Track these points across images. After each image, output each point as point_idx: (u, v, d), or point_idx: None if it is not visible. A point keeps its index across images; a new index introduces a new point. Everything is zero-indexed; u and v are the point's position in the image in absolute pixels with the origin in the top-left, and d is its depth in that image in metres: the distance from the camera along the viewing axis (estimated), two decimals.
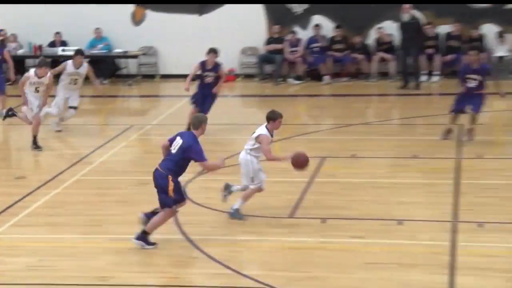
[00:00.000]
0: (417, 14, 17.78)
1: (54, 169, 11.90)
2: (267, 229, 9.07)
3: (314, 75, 19.12)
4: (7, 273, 7.96)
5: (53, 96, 13.97)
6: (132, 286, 7.66)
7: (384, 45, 18.51)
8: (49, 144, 13.33)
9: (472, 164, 11.29)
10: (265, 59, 19.31)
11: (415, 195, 10.13)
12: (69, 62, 13.78)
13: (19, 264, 8.19)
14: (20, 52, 19.84)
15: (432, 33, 18.27)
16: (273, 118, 9.25)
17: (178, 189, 8.54)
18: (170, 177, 8.40)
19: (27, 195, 10.50)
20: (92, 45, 19.58)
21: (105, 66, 19.39)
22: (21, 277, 7.86)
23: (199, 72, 13.72)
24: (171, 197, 8.45)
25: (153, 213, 8.71)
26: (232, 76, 19.39)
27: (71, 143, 13.87)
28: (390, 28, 18.46)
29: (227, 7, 19.49)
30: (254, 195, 9.46)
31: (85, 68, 13.89)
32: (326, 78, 18.86)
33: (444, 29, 18.40)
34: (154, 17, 19.87)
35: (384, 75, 18.67)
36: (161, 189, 8.46)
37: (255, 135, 9.30)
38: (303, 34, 19.23)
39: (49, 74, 13.07)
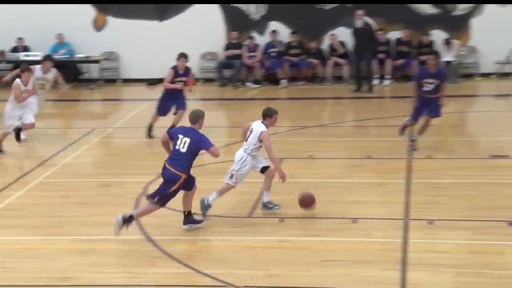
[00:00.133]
0: (369, 20, 18.22)
1: (17, 171, 11.97)
2: (227, 229, 9.25)
3: (271, 79, 19.44)
4: None
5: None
6: (95, 286, 7.75)
7: (336, 52, 18.92)
8: (11, 147, 13.33)
9: (423, 164, 11.58)
10: (224, 64, 19.58)
11: (369, 194, 10.39)
12: (38, 67, 13.78)
13: None
14: None
15: (384, 38, 18.75)
16: (269, 114, 9.52)
17: (182, 187, 8.90)
18: (182, 177, 8.80)
19: None
20: (55, 50, 19.60)
21: (67, 71, 19.37)
22: None
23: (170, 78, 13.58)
24: (167, 193, 8.79)
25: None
26: (193, 80, 19.61)
27: (34, 146, 13.86)
28: (343, 34, 18.88)
29: (187, 13, 19.73)
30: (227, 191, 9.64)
31: (53, 73, 13.88)
32: (283, 82, 19.19)
33: (394, 35, 18.88)
34: (115, 23, 20.00)
35: (338, 79, 19.06)
36: (168, 183, 8.82)
37: (255, 134, 9.43)
38: (261, 39, 19.55)
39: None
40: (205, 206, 9.54)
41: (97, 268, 8.21)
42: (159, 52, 19.66)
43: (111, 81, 20.22)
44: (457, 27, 18.75)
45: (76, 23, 19.82)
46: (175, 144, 8.96)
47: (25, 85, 12.91)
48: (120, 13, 19.94)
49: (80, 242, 8.88)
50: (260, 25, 19.67)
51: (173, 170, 8.84)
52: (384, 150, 12.61)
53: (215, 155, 9.03)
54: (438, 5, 18.83)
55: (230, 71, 19.69)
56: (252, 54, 19.34)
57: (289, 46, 19.35)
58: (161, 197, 8.90)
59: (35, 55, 18.69)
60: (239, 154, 9.63)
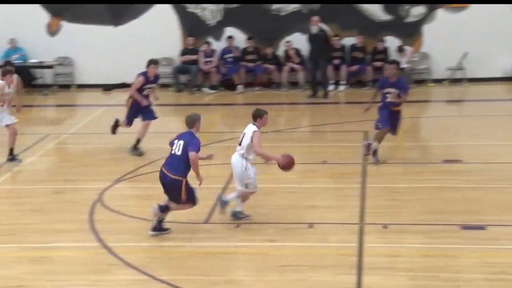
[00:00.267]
0: (324, 26, 18.40)
1: None
2: (183, 235, 9.25)
3: (228, 85, 19.47)
4: None
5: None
6: None
7: (291, 59, 19.05)
8: None
9: (377, 169, 11.70)
10: (180, 69, 19.54)
11: (324, 199, 10.50)
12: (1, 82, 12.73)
13: None
14: None
15: (339, 44, 18.95)
16: (259, 115, 9.55)
17: (189, 190, 8.97)
18: (182, 181, 8.87)
19: None
20: (7, 55, 19.32)
21: (21, 76, 19.09)
22: None
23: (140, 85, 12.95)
24: (184, 200, 8.91)
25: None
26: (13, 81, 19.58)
27: None
28: (299, 40, 19.02)
29: (143, 18, 19.67)
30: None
31: (14, 83, 12.97)
32: (240, 88, 19.24)
33: (349, 41, 19.10)
34: (69, 28, 19.81)
35: (294, 84, 19.19)
36: (174, 193, 8.93)
37: (247, 136, 9.44)
38: (217, 45, 19.58)
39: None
40: (222, 202, 9.57)
41: (51, 276, 8.13)
42: (114, 58, 19.56)
43: (66, 87, 20.01)
44: (410, 34, 19.05)
45: (29, 28, 19.58)
46: (172, 150, 9.06)
47: (9, 88, 12.45)
48: (74, 18, 19.77)
49: (33, 249, 8.80)
50: (216, 31, 19.70)
51: (171, 176, 8.94)
52: (339, 155, 12.73)
53: (191, 159, 8.95)
54: (391, 12, 19.11)
55: (186, 76, 19.66)
56: (208, 59, 19.35)
57: (245, 51, 19.43)
58: (188, 203, 9.06)
59: None
60: (236, 160, 9.62)
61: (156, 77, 13.18)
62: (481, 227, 9.17)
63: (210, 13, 19.72)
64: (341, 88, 18.91)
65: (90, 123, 16.08)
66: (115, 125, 13.53)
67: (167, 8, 19.69)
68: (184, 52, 19.53)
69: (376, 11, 19.13)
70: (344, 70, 18.86)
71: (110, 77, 19.77)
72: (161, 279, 7.94)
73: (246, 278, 8.01)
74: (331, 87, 18.67)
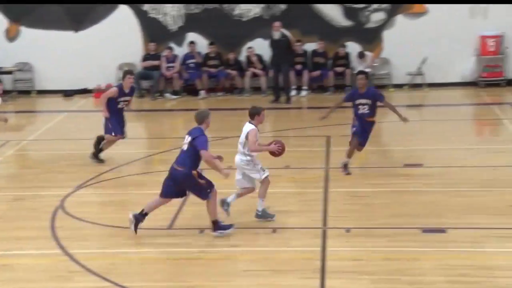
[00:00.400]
0: (286, 32, 18.49)
1: None
2: (147, 241, 9.23)
3: (190, 90, 19.44)
4: None
5: None
6: None
7: (254, 64, 19.11)
8: None
9: (339, 174, 11.78)
10: (142, 75, 19.45)
11: (287, 203, 10.54)
12: None
13: None
14: None
15: (301, 50, 19.07)
16: (257, 113, 9.65)
17: (201, 176, 9.08)
18: (191, 172, 8.95)
19: None
20: None
21: None
22: None
23: (113, 97, 12.47)
24: (201, 186, 8.95)
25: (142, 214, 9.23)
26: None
27: None
28: (261, 45, 19.09)
29: (103, 24, 19.55)
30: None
31: None
32: (202, 93, 19.22)
33: (310, 46, 19.23)
34: (29, 34, 19.59)
35: (257, 89, 19.25)
36: (188, 186, 8.98)
37: (243, 134, 9.55)
38: (179, 50, 19.55)
39: None
40: (261, 216, 9.67)
41: (11, 284, 8.04)
42: (75, 63, 19.40)
43: (26, 93, 19.77)
44: (370, 40, 19.25)
45: None
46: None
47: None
48: (33, 23, 19.55)
49: None
50: (178, 36, 19.67)
51: (178, 168, 9.05)
52: (302, 160, 12.80)
53: (204, 158, 9.07)
54: (351, 18, 19.29)
55: (148, 82, 19.58)
56: (170, 65, 19.30)
57: (207, 57, 19.43)
58: (205, 191, 9.12)
59: None
60: (238, 159, 9.73)
61: (132, 90, 12.70)
62: (442, 230, 9.30)
63: (171, 18, 19.69)
64: (303, 93, 19.02)
65: (50, 129, 15.91)
66: (98, 142, 12.85)
67: (129, 14, 19.61)
68: (146, 57, 19.46)
69: (337, 17, 19.29)
70: (306, 75, 18.97)
71: (71, 83, 19.60)
72: (124, 286, 7.91)
73: (209, 284, 8.01)
74: (293, 92, 18.76)
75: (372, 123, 11.78)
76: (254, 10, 19.43)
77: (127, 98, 12.52)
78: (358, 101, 11.62)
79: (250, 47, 19.21)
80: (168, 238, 9.35)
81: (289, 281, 8.02)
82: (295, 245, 9.01)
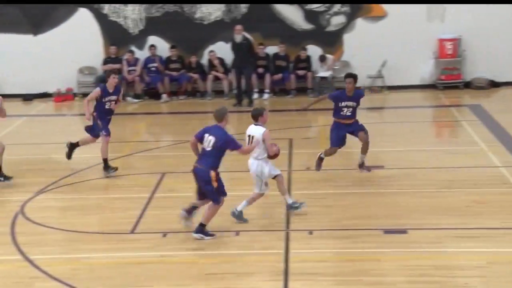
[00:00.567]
0: (248, 35, 18.53)
1: None
2: (109, 245, 9.18)
3: (152, 94, 19.36)
4: None
5: None
6: None
7: (216, 68, 19.10)
8: None
9: (301, 176, 11.87)
10: (103, 78, 19.27)
11: (251, 206, 10.47)
12: None
13: None
14: None
15: (263, 53, 19.13)
16: (260, 114, 9.77)
17: (220, 180, 9.18)
18: (211, 172, 9.06)
19: None
20: None
21: None
22: None
23: (98, 98, 12.17)
24: (215, 188, 9.02)
25: (193, 207, 9.28)
26: (70, 95, 19.39)
27: None
28: (222, 49, 19.09)
29: (63, 27, 19.37)
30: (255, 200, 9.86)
31: None
32: (164, 97, 19.16)
33: (272, 49, 19.31)
34: None
35: (219, 93, 19.25)
36: (205, 183, 9.02)
37: (257, 138, 9.66)
38: (140, 54, 19.47)
39: None
40: (237, 216, 9.77)
41: None
42: (34, 67, 19.18)
43: None
44: (331, 43, 19.39)
45: None
46: (202, 144, 9.23)
47: None
48: None
49: None
50: (139, 40, 19.58)
51: (200, 167, 9.15)
52: None
53: (246, 153, 9.55)
54: (312, 21, 19.41)
55: None
56: (131, 68, 19.20)
57: (169, 60, 19.37)
58: (216, 195, 9.20)
59: None
60: (252, 163, 9.84)
61: (118, 89, 12.31)
62: (403, 231, 9.41)
63: (132, 22, 19.60)
64: (266, 96, 19.07)
65: (10, 134, 15.67)
66: (72, 149, 12.60)
67: (89, 17, 19.46)
68: (107, 61, 19.33)
69: (298, 20, 19.41)
70: (268, 78, 19.03)
71: (31, 87, 19.38)
72: None
73: None
74: (255, 96, 18.81)
75: (349, 124, 11.58)
76: (215, 13, 19.44)
77: (113, 97, 12.19)
78: (344, 103, 11.45)
79: (211, 51, 19.21)
80: (130, 242, 9.31)
81: (252, 284, 8.05)
82: (258, 248, 9.04)
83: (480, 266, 8.27)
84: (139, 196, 11.02)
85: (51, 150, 13.59)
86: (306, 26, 19.36)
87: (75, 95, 19.51)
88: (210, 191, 9.19)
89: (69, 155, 12.55)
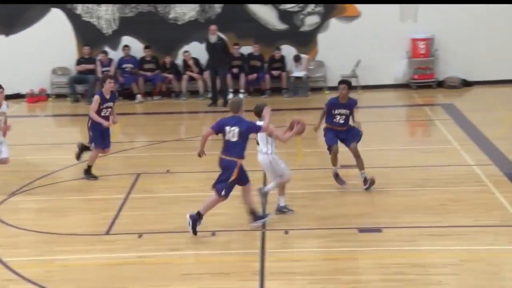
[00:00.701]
0: (222, 35, 18.54)
1: None
2: (84, 247, 9.14)
3: (126, 94, 19.27)
4: None
5: None
6: None
7: (191, 68, 19.08)
8: None
9: None
10: (77, 79, 19.21)
11: (227, 206, 10.45)
12: None
13: None
14: None
15: (238, 53, 19.15)
16: (261, 109, 9.75)
17: (241, 174, 9.25)
18: (238, 162, 9.18)
19: None
20: None
21: None
22: None
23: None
24: (230, 182, 9.17)
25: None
26: (43, 96, 19.24)
27: None
28: (197, 49, 19.07)
29: (35, 27, 19.24)
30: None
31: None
32: (139, 97, 19.10)
33: (246, 49, 19.33)
34: None
35: (194, 93, 19.24)
36: (227, 172, 9.11)
37: (260, 135, 9.74)
38: (114, 54, 19.38)
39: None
40: (263, 194, 10.02)
41: None
42: (7, 68, 18.97)
43: None
44: (305, 43, 19.47)
45: None
46: (224, 136, 9.26)
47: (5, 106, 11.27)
48: None
49: None
50: (112, 40, 19.49)
51: (228, 158, 9.21)
52: None
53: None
54: (286, 21, 19.47)
55: (83, 86, 19.34)
56: (105, 69, 19.10)
57: (143, 60, 19.31)
58: (227, 188, 9.22)
59: None
60: (263, 159, 9.93)
61: (113, 95, 11.88)
62: (378, 230, 9.49)
63: (105, 22, 19.50)
64: (240, 96, 19.08)
65: None
66: (82, 150, 12.11)
67: (61, 17, 19.35)
68: (80, 61, 19.23)
69: (272, 20, 19.45)
70: (243, 78, 19.06)
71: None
72: None
73: None
74: (230, 96, 18.80)
75: (349, 129, 11.22)
76: (190, 13, 19.42)
77: (109, 104, 11.73)
78: (337, 111, 11.06)
79: (186, 51, 19.18)
80: (106, 243, 9.27)
81: (228, 284, 8.06)
82: (234, 248, 9.07)
83: (453, 264, 8.36)
84: (114, 197, 10.98)
85: (24, 152, 13.47)
86: (280, 26, 19.42)
87: (48, 96, 19.38)
88: (225, 180, 9.26)
89: (78, 156, 12.12)
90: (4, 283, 8.10)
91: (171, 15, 19.42)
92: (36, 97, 19.25)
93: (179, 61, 19.43)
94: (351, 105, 11.13)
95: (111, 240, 9.39)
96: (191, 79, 19.18)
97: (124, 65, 19.21)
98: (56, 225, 9.92)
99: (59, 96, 19.45)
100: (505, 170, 11.80)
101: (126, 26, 19.36)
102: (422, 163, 12.48)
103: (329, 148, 11.21)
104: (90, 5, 19.39)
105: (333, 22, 19.40)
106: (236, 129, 9.24)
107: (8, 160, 11.39)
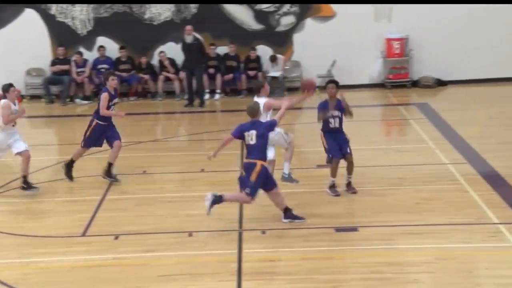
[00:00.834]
0: (198, 35, 18.53)
1: None
2: (61, 249, 9.08)
3: None
4: None
5: None
6: None
7: (167, 68, 19.04)
8: None
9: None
10: (51, 80, 19.08)
11: (203, 207, 10.45)
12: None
13: None
14: None
15: (214, 53, 19.14)
16: (261, 85, 10.50)
17: (261, 175, 9.37)
18: (258, 163, 9.36)
19: None
20: None
21: None
22: None
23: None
24: (253, 182, 9.30)
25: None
26: (18, 98, 19.00)
27: None
28: (172, 49, 19.04)
29: (9, 28, 19.08)
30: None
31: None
32: None
33: (222, 50, 19.34)
34: None
35: (170, 93, 19.20)
36: (246, 174, 9.39)
37: (260, 107, 9.96)
38: (89, 55, 19.28)
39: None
40: (287, 179, 10.50)
41: None
42: None
43: None
44: (281, 43, 19.52)
45: None
46: (245, 141, 9.54)
47: (14, 105, 11.19)
48: None
49: None
50: (87, 41, 19.39)
51: (248, 160, 9.45)
52: (217, 163, 12.70)
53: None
54: (262, 21, 19.50)
55: (58, 87, 19.21)
56: (80, 69, 18.99)
57: (118, 61, 19.22)
58: (252, 189, 9.36)
59: None
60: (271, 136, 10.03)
61: (116, 91, 11.81)
62: (355, 229, 9.54)
63: (80, 22, 19.39)
64: (217, 96, 19.09)
65: None
66: (69, 167, 11.86)
67: (36, 18, 19.22)
68: (55, 62, 19.10)
69: (248, 20, 19.47)
70: (219, 79, 19.05)
71: None
72: None
73: None
74: (206, 96, 18.80)
75: (343, 134, 11.01)
76: (165, 14, 19.38)
77: (116, 100, 11.73)
78: (329, 113, 10.85)
79: (162, 51, 19.13)
80: (82, 245, 9.22)
81: (206, 285, 8.06)
82: (211, 249, 9.05)
83: (429, 262, 8.43)
84: (91, 198, 10.93)
85: None
86: (256, 26, 19.45)
87: (23, 97, 19.16)
88: (247, 180, 9.38)
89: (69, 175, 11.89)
90: None
91: (147, 16, 19.37)
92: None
93: (155, 61, 19.38)
94: (339, 105, 10.94)
95: (88, 241, 9.34)
96: (167, 79, 19.14)
97: (100, 66, 19.12)
98: (32, 228, 9.86)
99: (33, 97, 19.30)
100: (479, 168, 11.92)
101: (101, 27, 19.26)
102: (397, 162, 12.57)
103: (331, 160, 10.85)
104: (64, 6, 19.28)
105: (309, 22, 19.47)
106: (253, 132, 9.48)
107: (28, 153, 11.28)
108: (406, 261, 8.57)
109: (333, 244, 9.11)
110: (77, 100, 19.07)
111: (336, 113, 10.96)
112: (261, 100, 10.40)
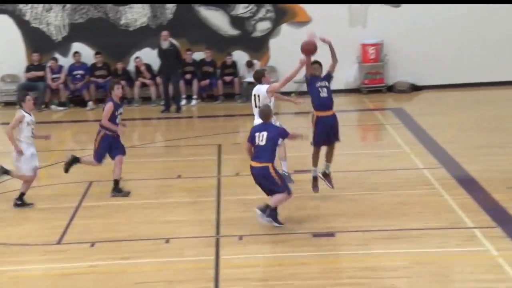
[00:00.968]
0: (174, 41, 18.51)
1: None
2: (35, 257, 9.01)
3: (77, 101, 19.09)
4: None
5: None
6: None
7: (143, 74, 18.99)
8: None
9: (231, 181, 11.91)
10: (27, 86, 18.91)
11: (181, 213, 10.55)
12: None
13: None
14: None
15: (190, 59, 19.13)
16: (262, 74, 10.81)
17: (280, 175, 9.60)
18: (269, 166, 9.40)
19: None
20: None
21: None
22: None
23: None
24: (277, 179, 9.41)
25: (266, 206, 9.58)
26: None
27: None
28: (148, 55, 19.00)
29: None
30: None
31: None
32: (90, 104, 18.92)
33: (199, 55, 19.33)
34: None
35: (146, 99, 19.14)
36: (265, 179, 9.26)
37: (263, 96, 10.42)
38: (64, 61, 19.17)
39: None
40: (287, 178, 10.51)
41: None
42: None
43: None
44: (257, 48, 19.56)
45: None
46: (254, 143, 9.55)
47: (30, 115, 11.01)
48: None
49: None
50: (62, 46, 19.28)
51: (259, 164, 9.43)
52: (194, 169, 12.83)
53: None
54: (238, 27, 19.53)
55: (33, 93, 19.00)
56: (55, 76, 18.88)
57: (94, 67, 19.14)
58: (283, 188, 9.48)
59: None
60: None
61: (122, 100, 11.61)
62: (331, 234, 9.57)
63: (55, 28, 19.28)
64: (193, 102, 19.08)
65: None
66: (71, 163, 11.60)
67: (10, 23, 19.08)
68: (29, 68, 18.97)
69: (224, 26, 19.49)
70: (195, 84, 19.03)
71: None
72: None
73: None
74: (183, 102, 18.78)
75: (334, 116, 11.11)
76: (141, 19, 19.34)
77: (121, 110, 11.43)
78: (318, 84, 11.09)
79: (137, 57, 19.08)
80: (57, 253, 9.16)
81: None
82: (188, 255, 9.03)
83: (405, 267, 8.48)
84: (66, 205, 10.86)
85: None
86: (232, 31, 19.47)
87: None
88: (273, 183, 9.43)
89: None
90: None
91: (122, 21, 19.31)
92: None
93: (131, 67, 19.32)
94: (326, 76, 11.41)
95: (63, 249, 9.28)
96: (144, 85, 19.08)
97: (75, 72, 19.01)
98: (6, 235, 9.77)
99: (8, 104, 19.13)
100: (453, 172, 12.02)
101: (76, 33, 19.18)
102: (373, 167, 12.64)
103: (316, 145, 10.94)
104: (39, 12, 19.16)
105: (284, 27, 19.53)
106: (264, 134, 9.54)
107: (33, 178, 11.00)
108: (382, 266, 8.61)
109: (309, 249, 9.13)
110: (53, 107, 18.95)
111: (324, 83, 11.29)
112: (263, 87, 10.71)
